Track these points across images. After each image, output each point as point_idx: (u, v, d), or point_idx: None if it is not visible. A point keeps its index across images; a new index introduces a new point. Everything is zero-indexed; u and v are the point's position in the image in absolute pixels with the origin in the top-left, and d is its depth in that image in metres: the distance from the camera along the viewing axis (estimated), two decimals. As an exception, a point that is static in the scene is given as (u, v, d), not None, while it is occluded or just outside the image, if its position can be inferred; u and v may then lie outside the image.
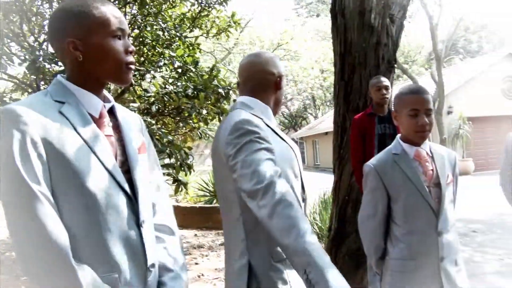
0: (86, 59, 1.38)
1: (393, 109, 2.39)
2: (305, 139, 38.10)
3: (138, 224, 1.41)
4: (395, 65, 5.10)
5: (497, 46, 38.65)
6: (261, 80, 2.02)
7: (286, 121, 47.88)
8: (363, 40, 4.84)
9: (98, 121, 1.41)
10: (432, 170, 2.30)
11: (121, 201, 1.37)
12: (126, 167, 1.43)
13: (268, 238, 1.79)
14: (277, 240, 1.55)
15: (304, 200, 2.08)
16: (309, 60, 30.10)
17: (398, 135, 2.38)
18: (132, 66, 1.47)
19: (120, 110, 1.55)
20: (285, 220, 1.53)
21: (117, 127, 1.49)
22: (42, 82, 5.20)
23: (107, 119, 1.45)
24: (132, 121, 1.57)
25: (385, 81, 4.27)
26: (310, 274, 1.41)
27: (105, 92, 1.51)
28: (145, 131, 1.66)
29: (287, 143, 1.99)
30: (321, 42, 32.12)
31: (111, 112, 1.51)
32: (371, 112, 4.28)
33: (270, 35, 29.52)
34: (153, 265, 1.45)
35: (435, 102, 19.93)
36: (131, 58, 1.46)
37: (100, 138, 1.37)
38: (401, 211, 2.26)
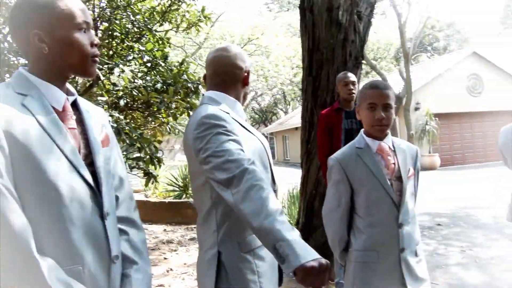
0: (51, 52, 1.38)
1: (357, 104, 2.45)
2: (275, 134, 38.21)
3: (102, 217, 1.41)
4: (363, 62, 5.19)
5: (462, 44, 39.45)
6: (229, 75, 2.05)
7: (257, 116, 47.94)
8: (331, 36, 4.92)
9: (61, 114, 1.40)
10: (394, 163, 2.35)
11: (85, 194, 1.37)
12: (90, 160, 1.43)
13: (238, 229, 1.84)
14: (248, 224, 1.58)
15: (275, 192, 2.12)
16: (279, 56, 30.14)
17: (362, 130, 2.43)
18: (97, 59, 1.48)
19: (83, 103, 1.54)
20: (256, 203, 1.56)
21: (80, 120, 1.48)
22: (8, 75, 5.10)
23: (70, 112, 1.45)
24: (95, 114, 1.57)
25: (352, 76, 4.33)
26: (280, 248, 1.45)
27: (68, 85, 1.50)
28: (109, 124, 1.65)
29: (255, 136, 2.03)
30: (292, 38, 32.20)
31: (74, 105, 1.50)
32: (338, 107, 4.33)
33: (241, 30, 29.46)
34: (116, 257, 1.45)
35: (403, 99, 20.26)
36: (96, 51, 1.46)
37: (63, 131, 1.36)
38: (364, 203, 2.31)
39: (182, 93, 5.76)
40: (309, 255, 1.42)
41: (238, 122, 1.96)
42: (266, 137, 42.42)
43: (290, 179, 8.69)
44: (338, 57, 4.93)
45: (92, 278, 1.34)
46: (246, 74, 2.08)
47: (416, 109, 21.37)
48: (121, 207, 1.59)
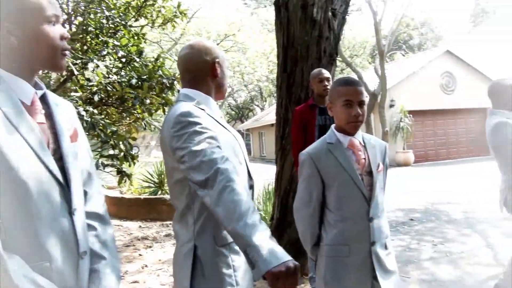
0: (20, 45, 1.36)
1: (328, 100, 2.47)
2: (251, 131, 38.27)
3: (70, 212, 1.40)
4: (338, 58, 5.23)
5: (436, 43, 40.03)
6: (196, 72, 2.05)
7: (233, 112, 47.92)
8: (305, 33, 4.94)
9: (30, 109, 1.38)
10: (365, 159, 2.39)
11: (53, 189, 1.35)
12: (59, 155, 1.41)
13: (214, 224, 1.85)
14: (224, 227, 1.62)
15: (251, 186, 2.14)
16: (256, 52, 30.18)
17: (333, 125, 2.45)
18: (67, 53, 1.46)
19: (52, 97, 1.52)
20: (228, 206, 1.58)
21: (49, 115, 1.46)
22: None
23: (39, 106, 1.42)
24: (64, 108, 1.55)
25: (326, 73, 4.36)
26: (250, 254, 1.47)
27: (36, 79, 1.48)
28: (77, 118, 1.64)
29: (230, 132, 2.04)
30: (268, 34, 32.23)
31: (43, 99, 1.48)
32: (313, 103, 4.35)
33: (218, 26, 29.39)
34: (84, 253, 1.44)
35: (378, 96, 20.47)
36: (65, 44, 1.45)
37: (32, 125, 1.35)
38: (335, 198, 2.33)
39: (157, 89, 5.74)
40: (276, 259, 1.43)
41: (213, 118, 1.97)
42: (242, 133, 42.47)
43: (267, 175, 8.70)
44: (312, 54, 4.95)
45: (59, 274, 1.33)
46: (213, 65, 2.06)
47: (391, 106, 21.63)
48: (89, 202, 1.58)
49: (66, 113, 1.55)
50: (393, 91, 21.66)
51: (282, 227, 4.99)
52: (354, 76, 22.24)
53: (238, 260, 1.91)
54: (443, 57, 23.72)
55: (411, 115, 21.43)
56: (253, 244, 1.47)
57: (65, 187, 1.39)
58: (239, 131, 43.48)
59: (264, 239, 1.49)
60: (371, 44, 37.76)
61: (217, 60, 2.07)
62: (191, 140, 1.75)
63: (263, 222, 1.57)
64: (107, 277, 1.52)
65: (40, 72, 1.54)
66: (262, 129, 34.37)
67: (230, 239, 1.88)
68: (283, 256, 1.45)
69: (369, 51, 39.53)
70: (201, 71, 2.05)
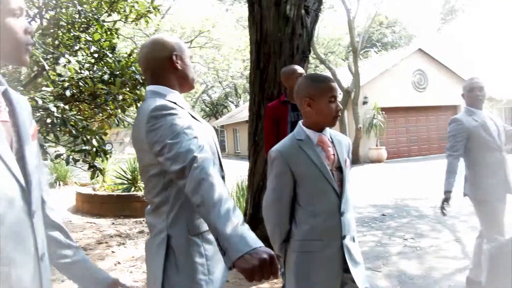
0: None
1: (298, 96, 2.46)
2: (225, 127, 38.22)
3: (30, 214, 1.33)
4: (313, 55, 5.27)
5: (409, 41, 40.61)
6: (155, 68, 2.05)
7: (207, 109, 47.78)
8: (278, 30, 4.97)
9: None
10: (334, 154, 2.42)
11: (14, 191, 1.28)
12: (20, 155, 1.35)
13: (187, 213, 1.88)
14: (200, 216, 1.63)
15: (223, 178, 2.16)
16: (231, 49, 30.11)
17: (301, 122, 2.47)
18: (30, 47, 1.41)
19: (13, 93, 1.44)
20: (203, 195, 1.58)
21: (11, 112, 1.39)
22: None
23: (3, 104, 1.36)
24: (23, 106, 1.47)
25: (299, 69, 4.37)
26: (221, 242, 1.46)
27: None
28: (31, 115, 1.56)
29: (202, 124, 2.05)
30: (242, 31, 32.20)
31: (5, 96, 1.39)
32: (285, 100, 4.37)
33: (192, 22, 29.22)
34: (44, 255, 1.38)
35: (352, 93, 20.66)
36: (29, 39, 1.40)
37: None
38: (307, 194, 2.36)
39: (130, 85, 5.70)
40: (246, 246, 1.41)
41: (185, 110, 1.98)
42: (217, 130, 42.35)
43: (241, 171, 8.73)
44: (285, 51, 4.99)
45: (19, 279, 1.26)
46: (171, 58, 2.04)
47: (364, 103, 21.85)
48: (46, 202, 1.59)
49: (26, 110, 1.47)
50: (367, 88, 21.89)
51: (254, 223, 5.02)
52: (328, 73, 22.44)
53: (211, 250, 1.92)
54: (415, 55, 24.06)
55: (384, 112, 21.68)
56: (224, 232, 1.46)
57: (25, 189, 1.32)
58: (213, 127, 43.38)
59: (236, 227, 1.47)
60: (345, 41, 38.07)
61: (174, 53, 2.05)
62: (168, 133, 1.76)
63: (237, 210, 1.56)
64: (87, 258, 1.56)
65: (11, 67, 1.50)
66: (236, 126, 34.38)
67: (202, 229, 1.91)
68: (254, 243, 1.42)
69: (343, 49, 39.86)
70: (161, 66, 2.04)
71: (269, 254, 1.41)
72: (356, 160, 20.61)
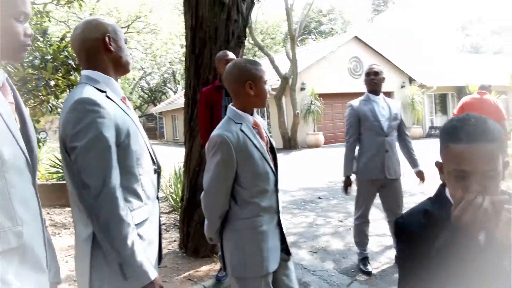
0: None
1: (237, 79, 2.50)
2: (164, 114, 37.82)
3: (34, 184, 1.51)
4: (250, 42, 5.32)
5: (345, 28, 41.46)
6: (89, 50, 2.01)
7: (146, 95, 47.03)
8: (214, 15, 4.98)
9: (2, 90, 1.47)
10: (265, 136, 2.57)
11: (22, 164, 1.45)
12: (24, 133, 1.52)
13: None
14: (96, 234, 1.86)
15: (156, 171, 2.19)
16: (169, 34, 29.64)
17: (231, 105, 2.54)
18: (28, 48, 1.53)
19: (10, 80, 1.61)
20: (103, 223, 1.79)
21: (15, 96, 1.58)
22: None
23: (9, 88, 1.52)
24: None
25: (229, 54, 4.41)
26: (125, 269, 1.80)
27: None
28: None
29: (129, 116, 2.02)
30: (181, 16, 31.78)
31: (8, 82, 1.56)
32: (219, 85, 4.40)
33: (129, 6, 28.53)
34: (45, 221, 1.59)
35: (289, 79, 20.90)
36: (28, 40, 1.52)
37: (6, 105, 1.43)
38: (250, 175, 2.43)
39: (63, 70, 5.59)
40: (146, 278, 1.83)
41: (113, 101, 1.96)
42: (155, 117, 41.78)
43: (179, 158, 8.72)
44: (221, 36, 5.01)
45: (30, 237, 1.42)
46: (104, 40, 2.01)
47: (302, 89, 22.15)
48: None
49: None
50: (304, 75, 22.19)
51: (192, 208, 5.06)
52: (266, 60, 22.59)
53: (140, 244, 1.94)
54: (351, 43, 24.58)
55: (321, 98, 22.06)
56: (126, 261, 1.79)
57: (29, 162, 1.49)
58: (152, 114, 42.81)
59: (136, 257, 1.81)
60: (283, 29, 38.35)
61: (107, 34, 2.02)
62: (85, 135, 1.76)
63: (135, 238, 1.84)
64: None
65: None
66: (175, 112, 34.09)
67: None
68: (151, 276, 1.83)
69: (282, 35, 40.17)
70: (93, 48, 2.00)
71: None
72: (294, 145, 20.95)
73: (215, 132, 2.42)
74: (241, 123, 2.44)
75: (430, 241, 1.36)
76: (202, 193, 2.50)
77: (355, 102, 4.68)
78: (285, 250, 2.64)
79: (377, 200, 4.85)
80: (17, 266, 1.36)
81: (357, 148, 4.67)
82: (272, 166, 2.51)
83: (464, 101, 7.79)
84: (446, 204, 1.46)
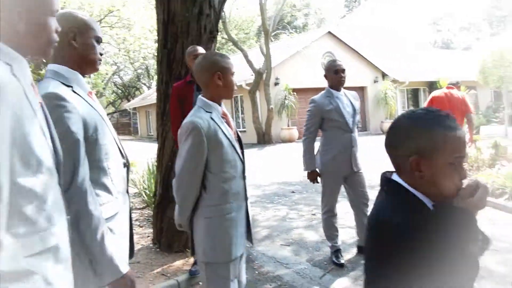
0: (27, 31, 1.41)
1: (207, 70, 2.60)
2: (138, 110, 37.57)
3: (60, 184, 1.51)
4: (224, 37, 5.33)
5: (319, 24, 41.71)
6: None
7: (119, 91, 46.55)
8: (186, 9, 4.97)
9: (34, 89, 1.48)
10: (233, 126, 2.69)
11: (52, 163, 1.44)
12: (50, 135, 1.51)
13: None
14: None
15: (125, 165, 2.20)
16: (143, 28, 29.34)
17: (201, 96, 2.63)
18: (56, 44, 1.54)
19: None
20: (75, 216, 1.75)
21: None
22: None
23: (36, 88, 1.49)
24: None
25: (199, 49, 4.41)
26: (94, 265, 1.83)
27: None
28: None
29: (97, 111, 2.02)
30: (154, 10, 31.46)
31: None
32: (190, 80, 4.40)
33: (101, 0, 28.14)
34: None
35: (263, 74, 20.92)
36: (57, 37, 1.54)
37: (37, 104, 1.42)
38: (219, 162, 2.52)
39: (32, 65, 5.52)
40: (116, 273, 1.85)
41: (80, 96, 1.96)
42: (129, 112, 41.39)
43: (153, 154, 8.67)
44: (193, 31, 4.99)
45: (60, 234, 1.43)
46: (70, 35, 2.00)
47: (276, 84, 22.18)
48: None
49: None
50: (278, 70, 22.23)
51: (165, 203, 5.06)
52: (240, 54, 22.58)
53: (112, 238, 1.94)
54: (325, 38, 24.71)
55: (295, 93, 22.14)
56: (96, 256, 1.81)
57: (55, 163, 1.48)
58: (125, 110, 42.42)
59: (106, 251, 1.83)
60: (257, 23, 38.33)
61: (73, 29, 2.00)
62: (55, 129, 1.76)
63: (105, 232, 1.85)
64: None
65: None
66: (149, 108, 33.87)
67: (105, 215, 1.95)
68: (122, 270, 1.86)
69: (256, 30, 40.17)
70: (60, 43, 1.88)
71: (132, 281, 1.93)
72: (268, 140, 21.00)
73: (187, 119, 2.52)
74: (211, 112, 2.55)
75: (426, 238, 1.29)
76: (174, 178, 2.58)
77: (319, 98, 4.72)
78: (249, 238, 2.80)
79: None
80: (52, 265, 1.36)
81: (317, 144, 4.73)
82: (240, 154, 2.64)
83: (433, 95, 7.93)
84: (417, 204, 1.40)
